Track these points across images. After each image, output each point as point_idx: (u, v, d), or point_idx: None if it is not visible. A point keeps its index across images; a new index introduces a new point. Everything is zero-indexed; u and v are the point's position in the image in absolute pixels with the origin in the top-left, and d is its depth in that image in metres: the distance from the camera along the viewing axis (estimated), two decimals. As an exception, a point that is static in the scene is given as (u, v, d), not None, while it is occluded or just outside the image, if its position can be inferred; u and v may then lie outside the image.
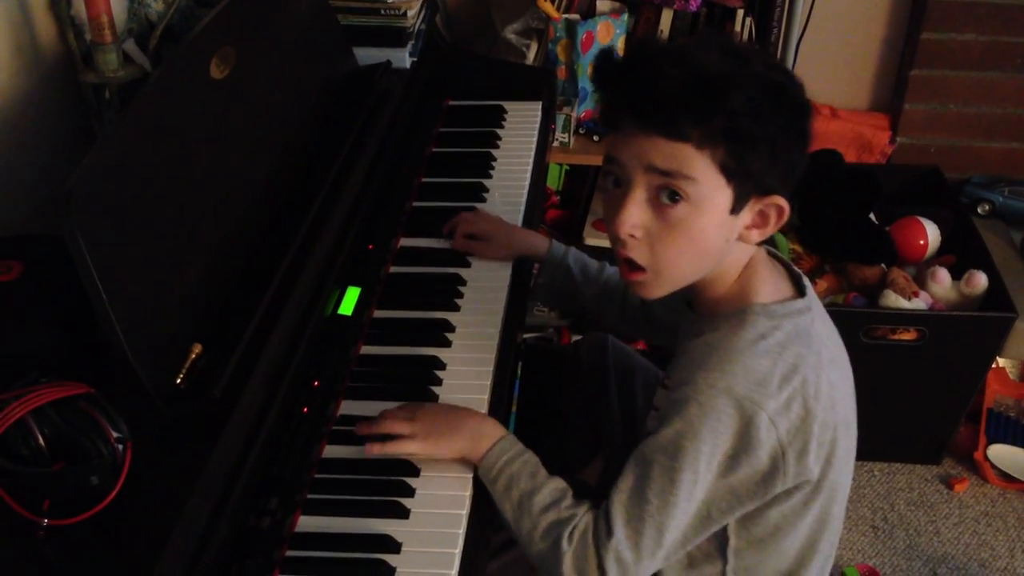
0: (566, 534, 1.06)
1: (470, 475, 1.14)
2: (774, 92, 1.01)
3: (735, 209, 1.04)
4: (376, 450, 1.13)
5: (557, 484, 1.11)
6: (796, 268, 1.17)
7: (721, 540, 1.13)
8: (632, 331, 1.45)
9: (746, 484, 1.05)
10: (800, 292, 1.14)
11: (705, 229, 1.04)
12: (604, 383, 1.52)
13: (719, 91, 0.99)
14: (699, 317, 1.15)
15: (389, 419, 1.15)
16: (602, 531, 1.05)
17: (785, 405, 1.03)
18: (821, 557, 1.17)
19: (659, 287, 1.10)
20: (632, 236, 1.06)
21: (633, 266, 1.09)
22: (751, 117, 0.99)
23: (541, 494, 1.09)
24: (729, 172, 1.02)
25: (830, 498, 1.12)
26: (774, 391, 1.02)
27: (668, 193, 1.03)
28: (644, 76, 1.02)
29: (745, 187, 1.03)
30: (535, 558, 1.10)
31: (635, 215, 1.04)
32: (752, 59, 1.03)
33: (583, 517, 1.07)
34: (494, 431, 1.14)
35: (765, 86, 1.01)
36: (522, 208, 1.57)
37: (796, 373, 1.04)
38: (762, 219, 1.07)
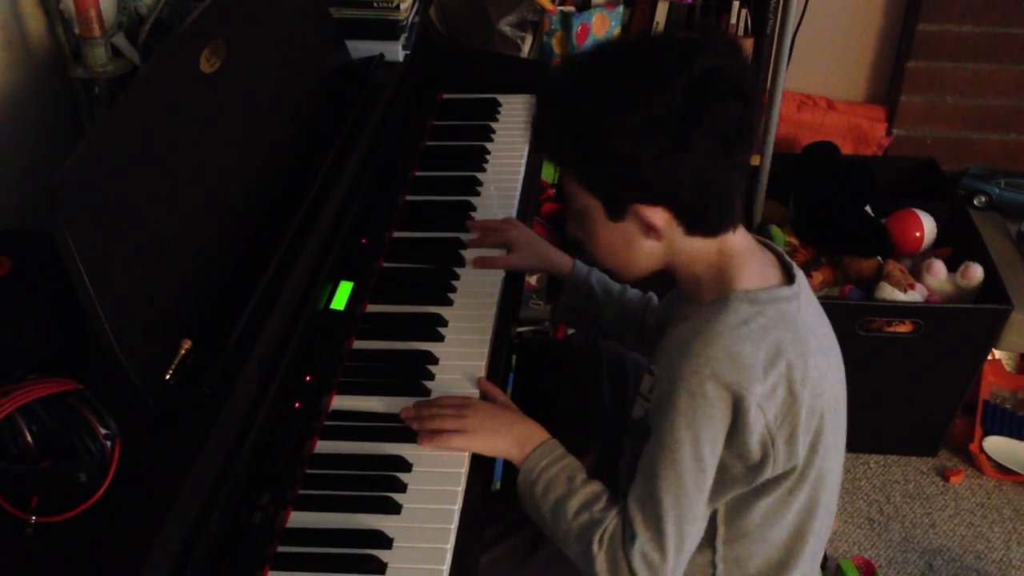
0: (596, 537, 1.09)
1: (462, 470, 1.13)
2: (622, 102, 0.99)
3: (612, 217, 1.07)
4: (426, 444, 1.14)
5: (592, 488, 1.13)
6: (788, 259, 1.16)
7: (710, 531, 1.13)
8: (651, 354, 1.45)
9: (736, 467, 1.06)
10: (789, 280, 1.13)
11: (602, 235, 1.10)
12: (596, 376, 1.52)
13: (538, 120, 1.08)
14: (686, 303, 1.16)
15: (438, 414, 1.17)
16: (626, 534, 1.08)
17: (771, 390, 1.03)
18: (810, 547, 1.17)
19: (619, 275, 1.19)
20: (577, 237, 1.16)
21: None
22: (569, 142, 1.04)
23: (576, 498, 1.12)
24: (587, 186, 1.07)
25: (817, 486, 1.12)
26: (760, 375, 1.03)
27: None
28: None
29: (609, 198, 1.06)
30: (574, 559, 1.13)
31: (571, 223, 1.17)
32: (621, 70, 1.03)
33: (612, 520, 1.09)
34: (538, 435, 1.18)
35: (608, 101, 1.00)
36: (516, 201, 1.57)
37: (780, 358, 1.04)
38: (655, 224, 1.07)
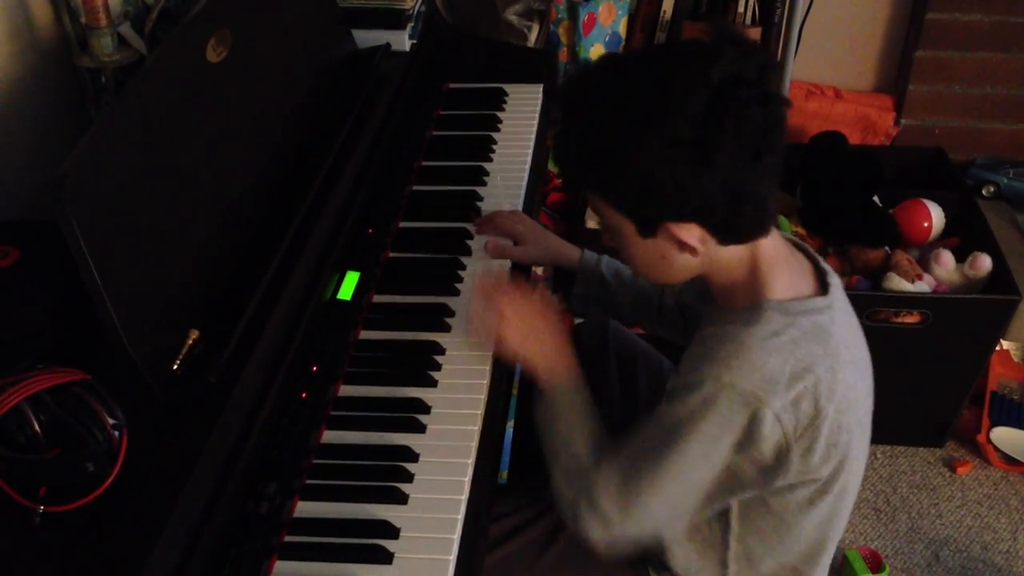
0: (576, 484, 1.12)
1: (469, 460, 1.14)
2: (642, 122, 0.97)
3: (644, 234, 1.05)
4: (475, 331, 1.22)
5: (588, 431, 1.16)
6: (825, 265, 1.14)
7: (723, 528, 1.13)
8: (671, 335, 1.43)
9: (747, 471, 1.05)
10: (823, 289, 1.11)
11: (635, 250, 1.08)
12: (604, 367, 1.52)
13: (560, 147, 1.07)
14: (719, 308, 1.14)
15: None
16: (598, 490, 1.10)
17: (793, 403, 1.01)
18: (828, 556, 1.18)
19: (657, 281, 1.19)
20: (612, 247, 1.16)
21: None
22: (590, 164, 1.03)
23: (575, 441, 1.15)
24: (615, 206, 1.05)
25: (839, 500, 1.12)
26: (781, 389, 1.01)
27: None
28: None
29: (639, 216, 1.04)
30: (556, 494, 1.15)
31: (605, 235, 1.14)
32: (637, 86, 0.99)
33: (593, 470, 1.11)
34: (564, 361, 1.21)
35: (627, 121, 0.98)
36: (523, 191, 1.56)
37: (808, 372, 1.02)
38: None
